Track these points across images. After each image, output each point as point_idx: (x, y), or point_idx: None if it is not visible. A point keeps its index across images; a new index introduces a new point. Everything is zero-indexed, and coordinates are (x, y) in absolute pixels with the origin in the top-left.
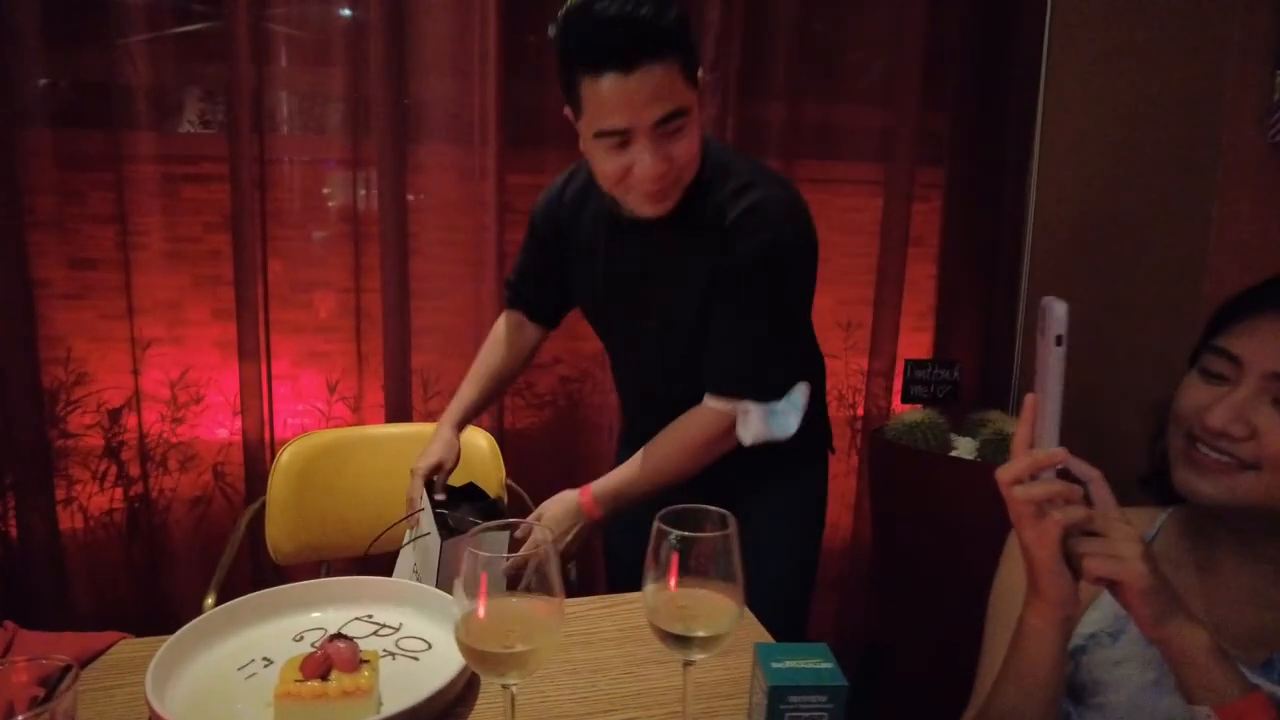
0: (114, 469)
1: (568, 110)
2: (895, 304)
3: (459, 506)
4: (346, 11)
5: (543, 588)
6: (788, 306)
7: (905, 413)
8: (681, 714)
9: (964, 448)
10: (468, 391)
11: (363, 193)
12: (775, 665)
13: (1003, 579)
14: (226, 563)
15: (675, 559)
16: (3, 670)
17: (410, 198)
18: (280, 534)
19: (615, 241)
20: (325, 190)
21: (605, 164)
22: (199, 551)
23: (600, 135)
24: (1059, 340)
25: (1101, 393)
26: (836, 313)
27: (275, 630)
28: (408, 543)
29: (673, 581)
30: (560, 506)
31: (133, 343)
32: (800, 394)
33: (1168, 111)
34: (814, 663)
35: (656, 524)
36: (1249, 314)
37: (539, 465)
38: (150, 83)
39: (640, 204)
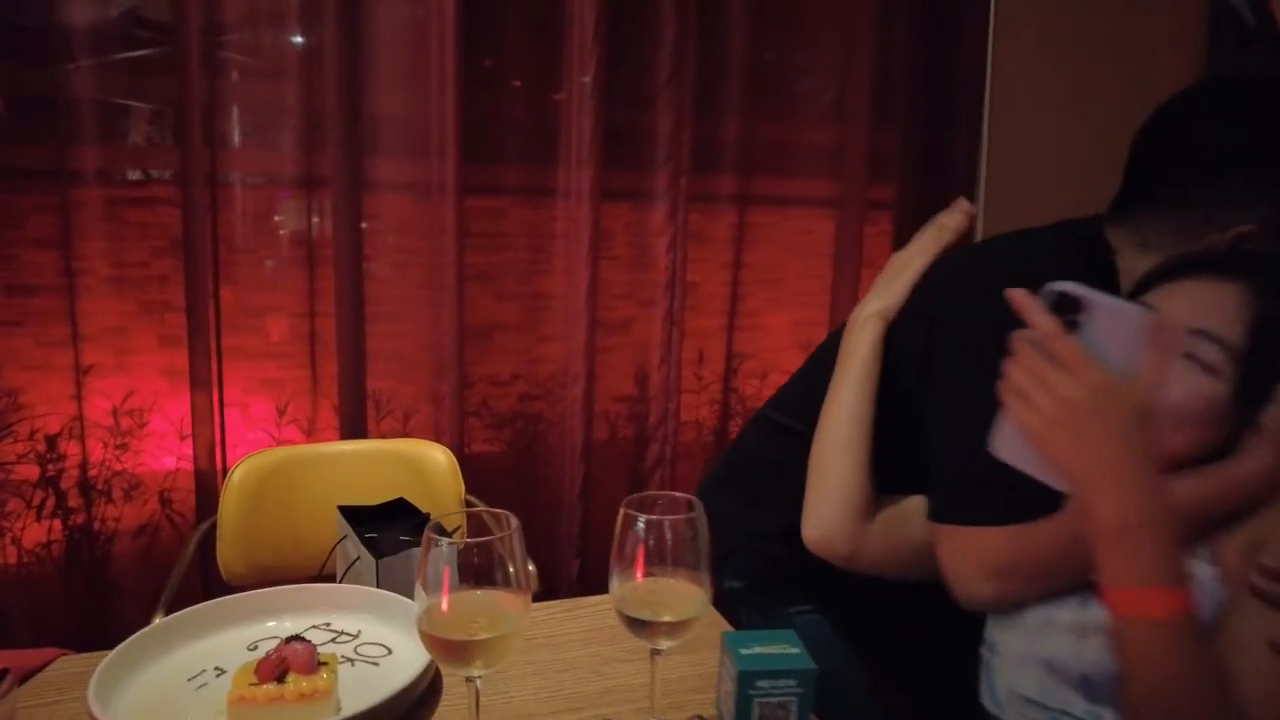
0: (51, 499)
1: None
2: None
3: (390, 525)
4: (299, 39)
5: (506, 580)
6: None
7: None
8: (649, 709)
9: None
10: None
11: (316, 219)
12: (744, 651)
13: None
14: (175, 582)
15: (641, 549)
16: None
17: (365, 224)
18: (232, 553)
19: None
20: (278, 217)
21: None
22: (146, 582)
23: None
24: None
25: None
26: (795, 334)
27: (228, 639)
28: (342, 576)
29: (639, 571)
30: None
31: (76, 369)
32: None
33: (1108, 122)
34: (782, 648)
35: (623, 511)
36: (1172, 276)
37: (498, 484)
38: (97, 101)
39: None
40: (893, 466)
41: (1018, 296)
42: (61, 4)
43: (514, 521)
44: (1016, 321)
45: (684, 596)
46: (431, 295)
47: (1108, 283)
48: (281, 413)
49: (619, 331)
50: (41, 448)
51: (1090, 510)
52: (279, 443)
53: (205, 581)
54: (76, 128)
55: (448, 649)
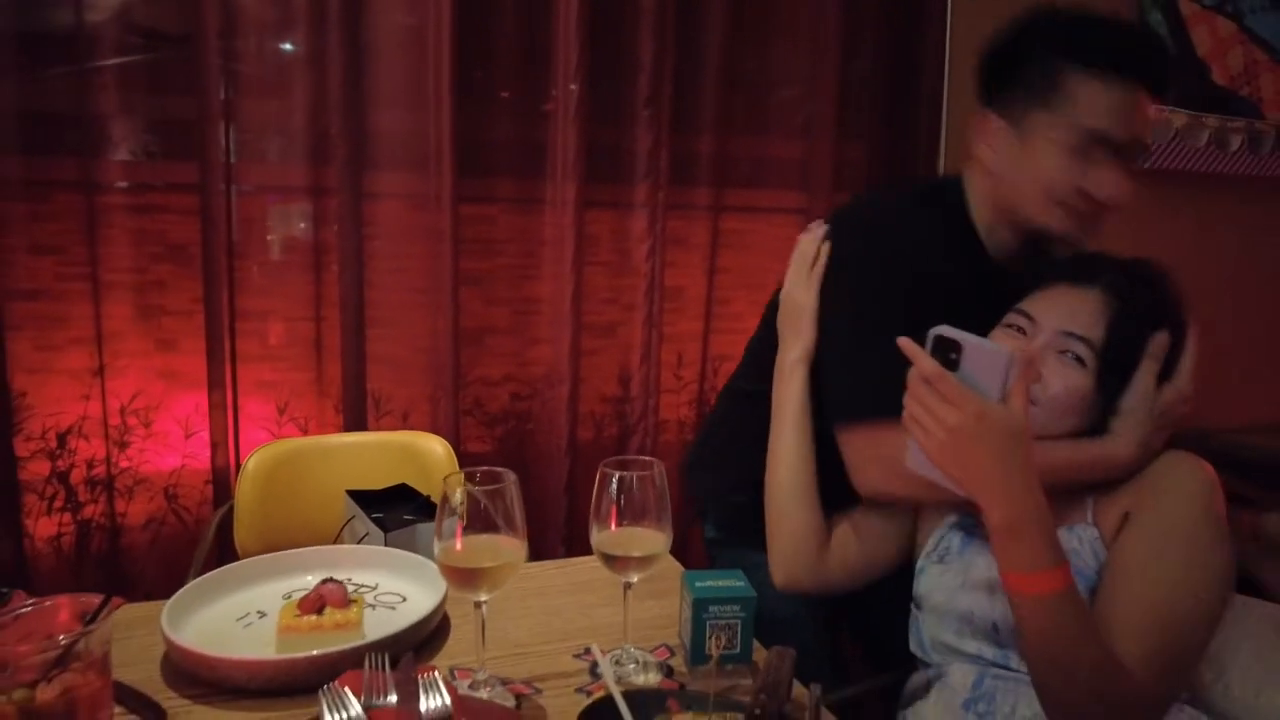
0: (62, 494)
1: (991, 119)
2: None
3: (390, 507)
4: (288, 46)
5: (508, 525)
6: None
7: None
8: (623, 637)
9: None
10: None
11: (320, 228)
12: (698, 584)
13: None
14: (200, 558)
15: (614, 508)
16: (48, 608)
17: (366, 233)
18: (248, 535)
19: (986, 291)
20: (284, 226)
21: (1059, 170)
22: (155, 571)
23: (1083, 137)
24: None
25: None
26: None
27: (266, 590)
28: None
29: (614, 521)
30: None
31: (93, 371)
32: None
33: None
34: (729, 582)
35: (601, 470)
36: (1048, 282)
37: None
38: (114, 111)
39: (1072, 226)
40: (835, 476)
41: (906, 345)
42: (78, 15)
43: (511, 476)
44: (902, 245)
45: (649, 539)
46: (428, 300)
47: (971, 244)
48: (282, 411)
49: (604, 334)
50: (52, 444)
51: (984, 513)
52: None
53: (222, 562)
54: (94, 137)
55: (461, 576)
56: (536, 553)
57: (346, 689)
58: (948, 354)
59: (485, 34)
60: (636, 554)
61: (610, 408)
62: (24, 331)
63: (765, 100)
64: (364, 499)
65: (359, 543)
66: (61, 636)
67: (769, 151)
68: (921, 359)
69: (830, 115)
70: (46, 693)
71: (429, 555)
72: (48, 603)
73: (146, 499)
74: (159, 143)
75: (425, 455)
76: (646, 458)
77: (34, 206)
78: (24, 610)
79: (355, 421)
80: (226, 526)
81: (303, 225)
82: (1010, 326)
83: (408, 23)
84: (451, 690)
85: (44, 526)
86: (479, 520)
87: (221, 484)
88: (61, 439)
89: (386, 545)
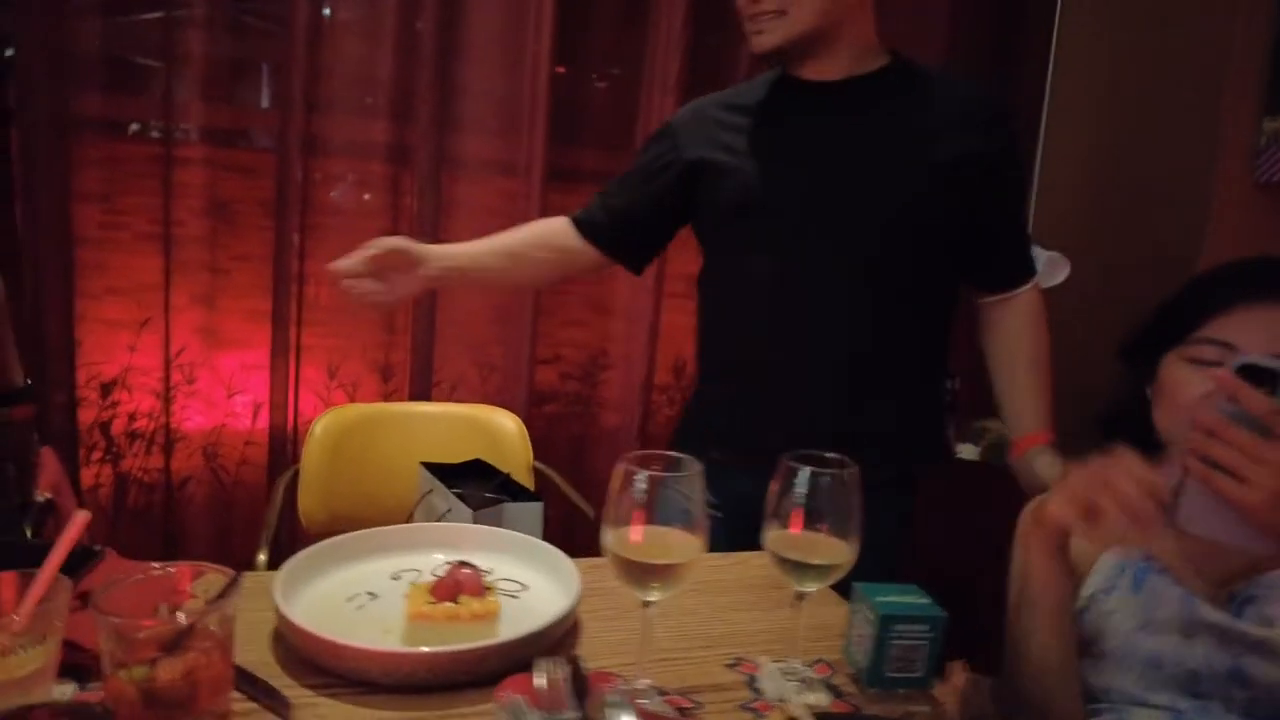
0: (103, 444)
1: None
2: None
3: (467, 483)
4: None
5: (685, 520)
6: None
7: None
8: (773, 652)
9: (966, 453)
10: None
11: (398, 191)
12: (881, 599)
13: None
14: (273, 521)
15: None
16: (169, 576)
17: (446, 197)
18: (313, 502)
19: (805, 124)
20: (349, 183)
21: None
22: (199, 528)
23: None
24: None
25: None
26: None
27: (373, 569)
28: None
29: (796, 525)
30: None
31: (135, 320)
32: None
33: (1161, 152)
34: (913, 598)
35: (785, 463)
36: (1229, 304)
37: (557, 454)
38: (198, 60)
39: (750, 36)
40: None
41: (1223, 377)
42: None
43: (697, 466)
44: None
45: (835, 548)
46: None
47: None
48: (332, 376)
49: (673, 315)
50: (96, 394)
51: None
52: (329, 405)
53: (282, 526)
54: (177, 84)
55: (637, 571)
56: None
57: (523, 699)
58: (1260, 388)
59: (582, 38)
60: (818, 562)
61: (665, 395)
62: (80, 278)
63: None
64: (439, 472)
65: (440, 519)
66: (181, 613)
67: None
68: (1249, 395)
69: None
70: (167, 671)
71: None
72: (172, 569)
73: (185, 456)
74: (236, 89)
75: (497, 429)
76: (675, 454)
77: (109, 149)
78: (144, 578)
79: (417, 392)
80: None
81: (371, 193)
82: (1197, 361)
83: (504, 29)
84: (640, 709)
85: (84, 477)
86: (652, 510)
87: (277, 446)
88: (105, 389)
89: (475, 523)
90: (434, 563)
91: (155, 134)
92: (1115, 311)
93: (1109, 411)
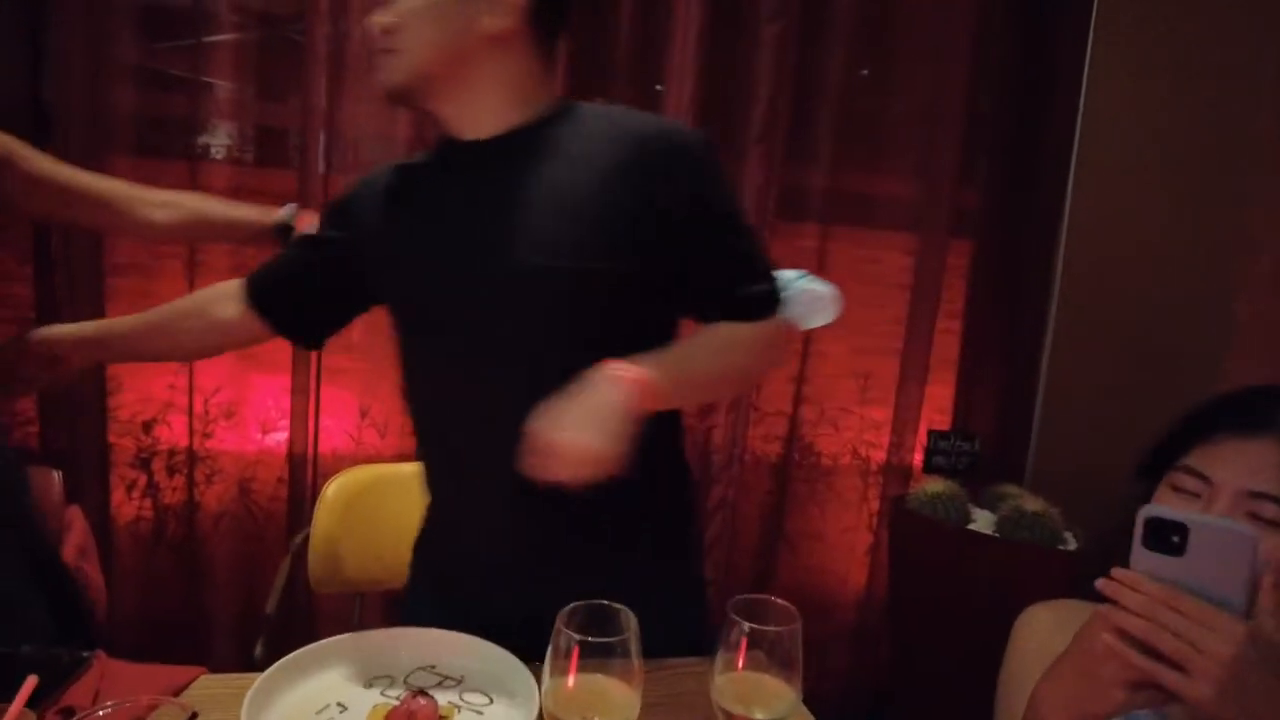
0: (144, 478)
1: None
2: (921, 377)
3: None
4: None
5: (622, 671)
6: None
7: (928, 484)
8: None
9: (982, 521)
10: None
11: None
12: None
13: (1010, 670)
14: (280, 585)
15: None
16: (126, 708)
17: None
18: (321, 567)
19: (456, 195)
20: None
21: None
22: (227, 559)
23: None
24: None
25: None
26: (852, 362)
27: (348, 674)
28: None
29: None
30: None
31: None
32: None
33: (1199, 204)
34: None
35: (729, 615)
36: (1215, 433)
37: None
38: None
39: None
40: None
41: (1123, 575)
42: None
43: (633, 622)
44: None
45: (775, 693)
46: None
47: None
48: (364, 415)
49: None
50: (138, 429)
51: None
52: (358, 444)
53: (295, 589)
54: (204, 108)
55: None
56: None
57: None
58: (1169, 540)
59: (597, 62)
60: (759, 715)
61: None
62: (117, 308)
63: (882, 139)
64: None
65: None
66: None
67: (882, 191)
68: (1146, 585)
69: (950, 155)
70: None
71: None
72: (128, 704)
73: (221, 489)
74: (259, 146)
75: None
76: (781, 601)
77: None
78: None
79: None
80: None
81: None
82: (1181, 490)
83: None
84: None
85: (124, 511)
86: (592, 660)
87: (298, 487)
88: (147, 425)
89: None
90: (408, 668)
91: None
92: (1150, 375)
93: (1119, 528)
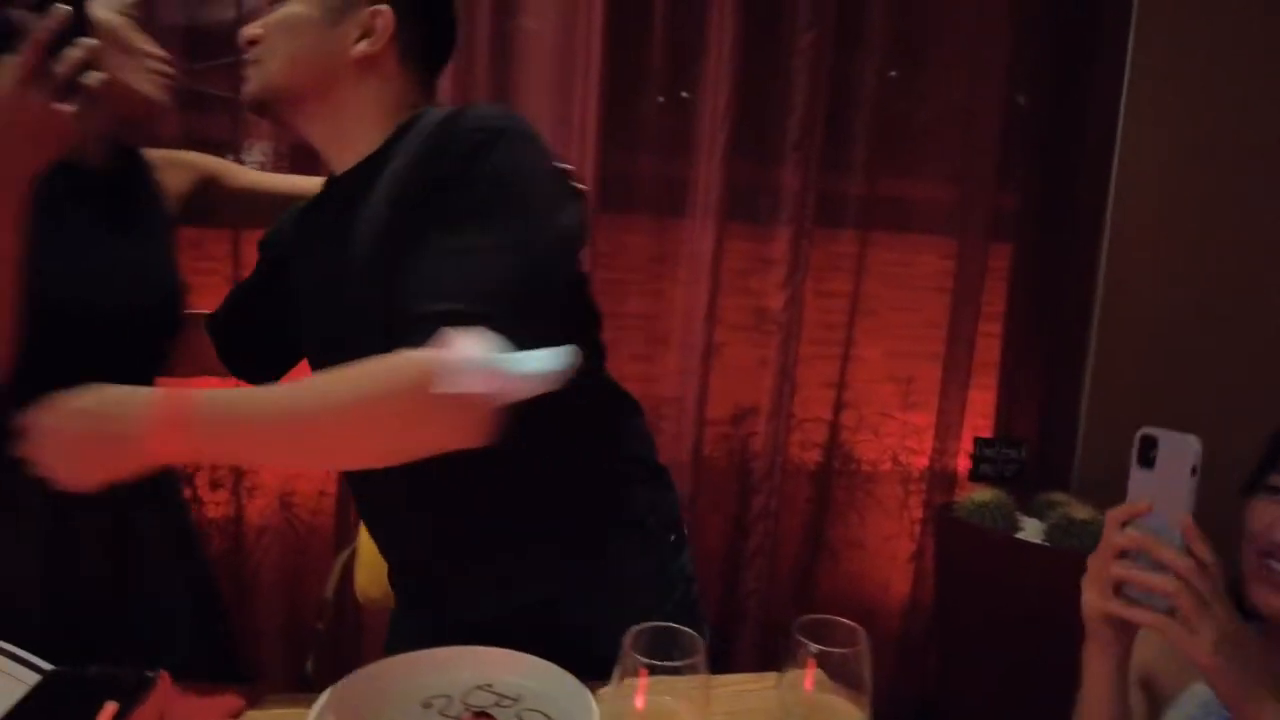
0: (187, 493)
1: None
2: (963, 381)
3: None
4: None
5: (690, 695)
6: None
7: (975, 492)
8: None
9: (1031, 530)
10: None
11: None
12: None
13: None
14: (329, 600)
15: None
16: None
17: None
18: (368, 580)
19: (316, 242)
20: None
21: None
22: (279, 576)
23: None
24: (1194, 471)
25: None
26: (890, 367)
27: (406, 693)
28: None
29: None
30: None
31: None
32: (550, 353)
33: (1245, 202)
34: None
35: (794, 636)
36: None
37: None
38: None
39: None
40: None
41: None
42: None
43: (701, 645)
44: None
45: (844, 714)
46: None
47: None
48: None
49: (730, 374)
50: None
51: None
52: None
53: (340, 602)
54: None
55: None
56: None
57: None
58: (1148, 455)
59: (634, 69)
60: None
61: (725, 444)
62: None
63: (918, 143)
64: None
65: None
66: None
67: (919, 195)
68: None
69: (988, 160)
70: None
71: None
72: None
73: (263, 503)
74: (294, 165)
75: None
76: (846, 620)
77: None
78: None
79: None
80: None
81: None
82: (1275, 489)
83: (557, 58)
84: None
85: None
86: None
87: (343, 500)
88: None
89: None
90: (465, 686)
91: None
92: (1202, 382)
93: None
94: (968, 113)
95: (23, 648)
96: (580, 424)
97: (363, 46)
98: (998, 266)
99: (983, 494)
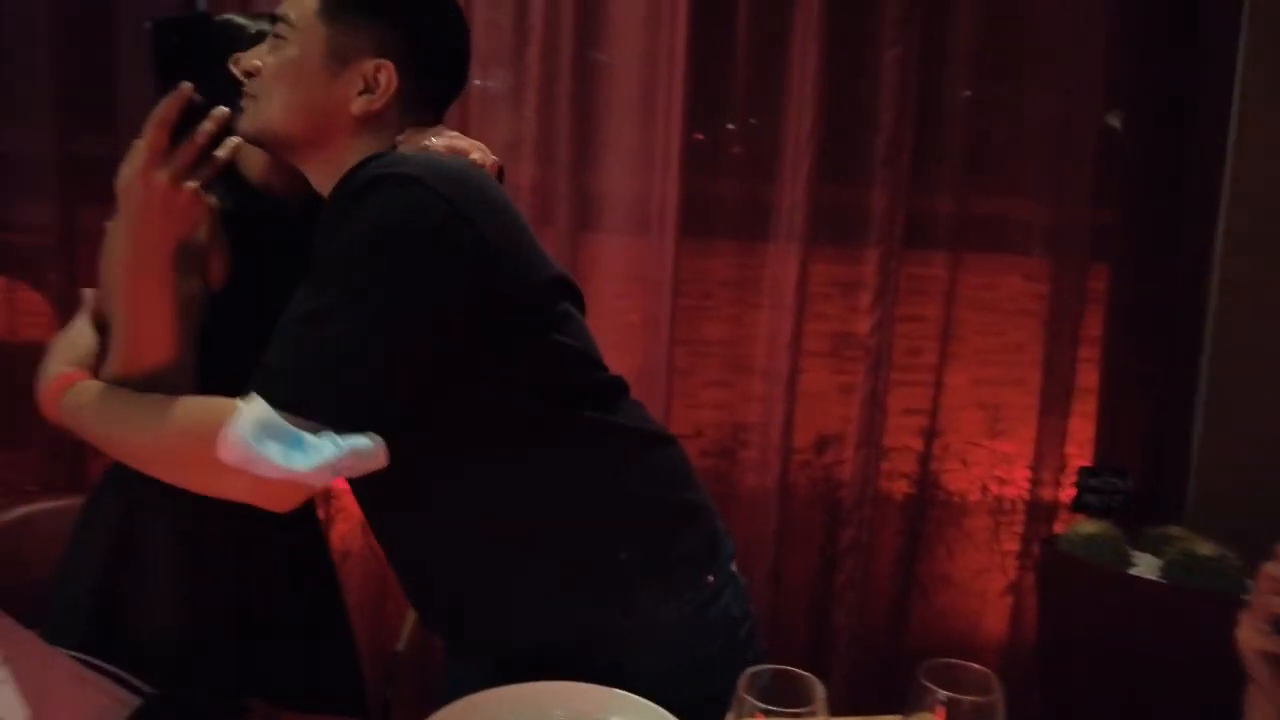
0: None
1: None
2: (1061, 409)
3: None
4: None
5: None
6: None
7: (1080, 524)
8: None
9: (1145, 565)
10: None
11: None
12: None
13: None
14: (410, 622)
15: None
16: None
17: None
18: None
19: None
20: None
21: None
22: (361, 600)
23: None
24: None
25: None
26: (977, 394)
27: None
28: None
29: None
30: None
31: None
32: (351, 445)
33: None
34: None
35: (921, 683)
36: None
37: None
38: None
39: None
40: None
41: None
42: None
43: (820, 691)
44: None
45: None
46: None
47: None
48: None
49: (813, 400)
50: None
51: None
52: None
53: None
54: None
55: None
56: None
57: None
58: None
59: (716, 93)
60: None
61: (807, 473)
62: None
63: (1011, 160)
64: None
65: None
66: None
67: (1011, 213)
68: None
69: (1085, 176)
70: None
71: None
72: None
73: (345, 528)
74: None
75: None
76: (976, 665)
77: None
78: None
79: None
80: None
81: None
82: None
83: (639, 83)
84: None
85: None
86: None
87: None
88: None
89: None
90: None
91: None
92: None
93: None
94: (1062, 127)
95: (142, 669)
96: (585, 466)
97: (363, 102)
98: (1094, 288)
99: (1089, 526)
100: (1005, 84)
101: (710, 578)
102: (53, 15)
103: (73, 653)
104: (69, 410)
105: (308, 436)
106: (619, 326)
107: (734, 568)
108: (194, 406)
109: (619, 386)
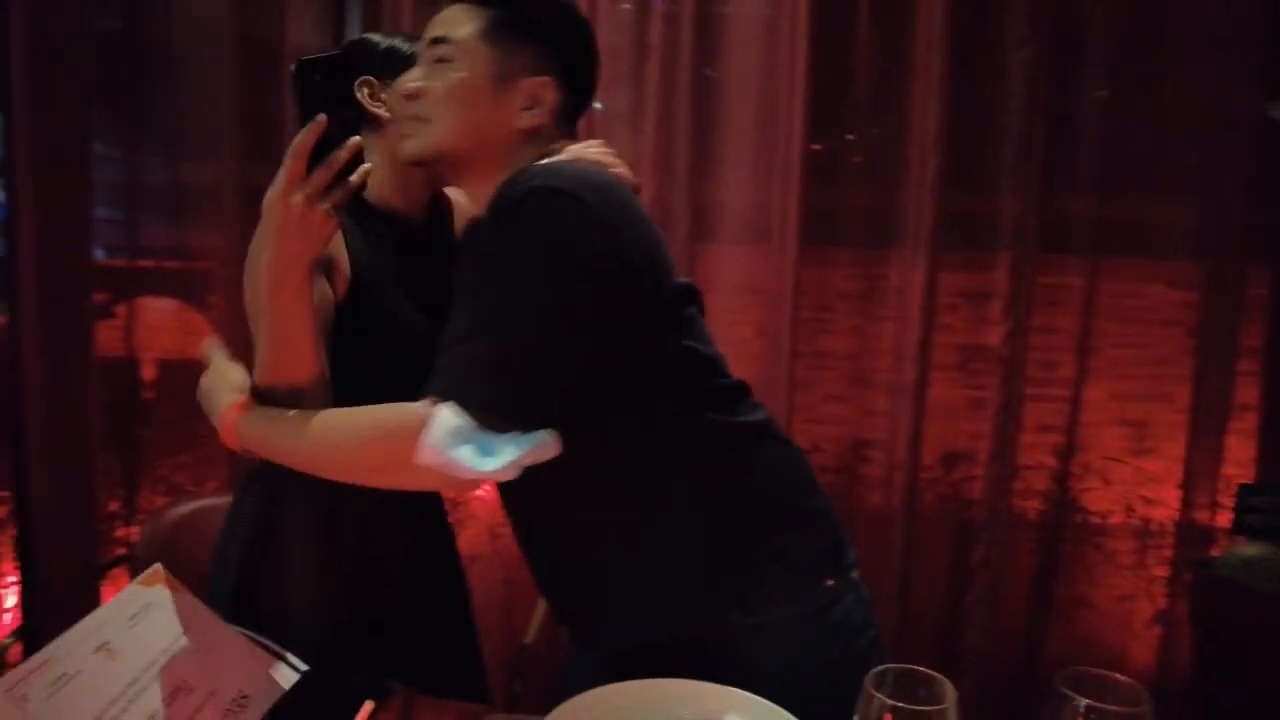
0: None
1: None
2: (1217, 426)
3: None
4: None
5: None
6: (523, 293)
7: (1240, 546)
8: None
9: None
10: None
11: None
12: None
13: None
14: (539, 615)
15: None
16: None
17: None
18: None
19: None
20: None
21: None
22: (487, 601)
23: None
24: None
25: None
26: (1118, 409)
27: None
28: None
29: None
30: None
31: None
32: (531, 442)
33: None
34: None
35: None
36: None
37: None
38: None
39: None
40: None
41: None
42: None
43: (950, 691)
44: None
45: None
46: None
47: None
48: None
49: (939, 415)
50: None
51: None
52: None
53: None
54: None
55: None
56: None
57: None
58: None
59: (839, 100)
60: None
61: (936, 490)
62: None
63: (1154, 158)
64: None
65: None
66: None
67: (1157, 215)
68: None
69: (1241, 172)
70: None
71: None
72: None
73: (473, 533)
74: None
75: None
76: (1121, 677)
77: None
78: None
79: None
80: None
81: None
82: None
83: (759, 92)
84: None
85: None
86: None
87: None
88: None
89: None
90: None
91: None
92: None
93: None
94: (1213, 120)
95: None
96: (712, 466)
97: (527, 118)
98: (1255, 294)
99: (1249, 549)
100: (1146, 77)
101: (830, 582)
102: (230, 60)
103: (242, 629)
104: (250, 435)
105: (494, 439)
106: (737, 339)
107: (856, 575)
108: (383, 417)
109: (743, 390)
